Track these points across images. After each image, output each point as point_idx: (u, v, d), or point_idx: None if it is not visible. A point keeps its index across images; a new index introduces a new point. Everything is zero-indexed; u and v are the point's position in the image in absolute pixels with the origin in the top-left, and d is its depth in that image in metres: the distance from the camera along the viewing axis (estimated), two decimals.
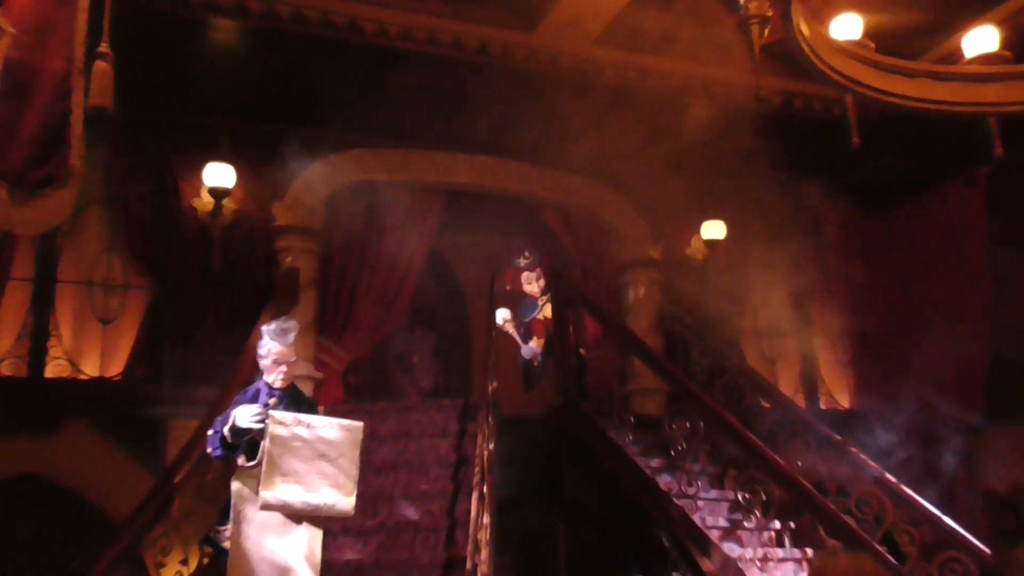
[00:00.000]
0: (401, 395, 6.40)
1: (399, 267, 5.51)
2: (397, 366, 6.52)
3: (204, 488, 3.65)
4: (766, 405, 4.80)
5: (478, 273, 6.32)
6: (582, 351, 5.11)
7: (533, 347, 5.23)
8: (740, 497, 3.83)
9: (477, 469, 3.50)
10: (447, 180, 5.70)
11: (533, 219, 6.15)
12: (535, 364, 5.28)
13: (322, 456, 2.88)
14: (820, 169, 5.86)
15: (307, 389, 4.50)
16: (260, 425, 2.87)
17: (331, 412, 4.09)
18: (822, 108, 5.30)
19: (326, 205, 5.36)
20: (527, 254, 5.35)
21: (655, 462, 4.49)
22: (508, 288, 5.44)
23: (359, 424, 3.02)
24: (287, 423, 2.87)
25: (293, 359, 3.13)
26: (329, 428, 2.91)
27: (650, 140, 5.24)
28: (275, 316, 3.71)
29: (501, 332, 5.21)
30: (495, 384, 4.32)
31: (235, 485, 2.94)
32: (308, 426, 2.91)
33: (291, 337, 3.11)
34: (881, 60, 2.16)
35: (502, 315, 5.22)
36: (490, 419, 3.92)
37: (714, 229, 6.05)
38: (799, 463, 3.97)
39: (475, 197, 5.92)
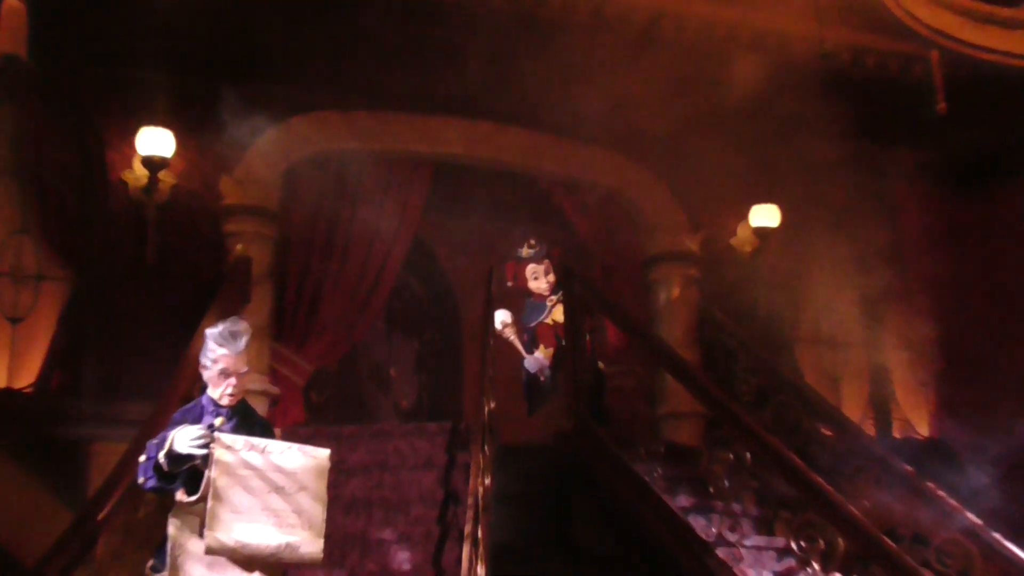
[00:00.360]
0: (376, 416, 6.42)
1: (374, 258, 5.52)
2: (371, 380, 6.55)
3: (134, 527, 3.63)
4: (827, 433, 4.79)
5: (471, 266, 6.30)
6: (600, 364, 5.08)
7: (539, 358, 5.17)
8: (794, 545, 3.79)
9: (470, 509, 3.51)
10: (434, 150, 5.73)
11: (540, 200, 6.18)
12: (541, 379, 5.23)
13: (280, 489, 2.87)
14: (897, 143, 5.92)
15: (260, 407, 4.53)
16: (204, 451, 2.86)
17: (289, 436, 4.08)
18: (900, 67, 5.30)
19: (285, 180, 5.41)
20: (532, 242, 5.35)
21: (688, 501, 4.52)
22: (509, 285, 5.42)
23: (325, 451, 3.02)
24: (237, 448, 2.86)
25: (245, 369, 3.12)
26: (289, 455, 2.91)
27: (688, 105, 5.28)
28: (222, 316, 3.68)
29: (500, 340, 5.20)
30: (492, 404, 4.34)
31: (173, 524, 2.94)
32: (263, 452, 2.89)
33: (243, 342, 3.09)
34: (975, 7, 2.13)
35: (501, 318, 5.21)
36: (486, 447, 3.92)
37: (765, 215, 6.09)
38: (867, 504, 3.96)
39: (468, 172, 6.00)
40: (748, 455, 4.05)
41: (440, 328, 6.87)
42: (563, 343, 5.08)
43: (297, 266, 5.35)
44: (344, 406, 6.21)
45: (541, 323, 5.48)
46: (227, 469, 2.84)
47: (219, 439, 2.88)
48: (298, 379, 5.25)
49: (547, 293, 5.50)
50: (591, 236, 6.13)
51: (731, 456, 4.09)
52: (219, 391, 3.10)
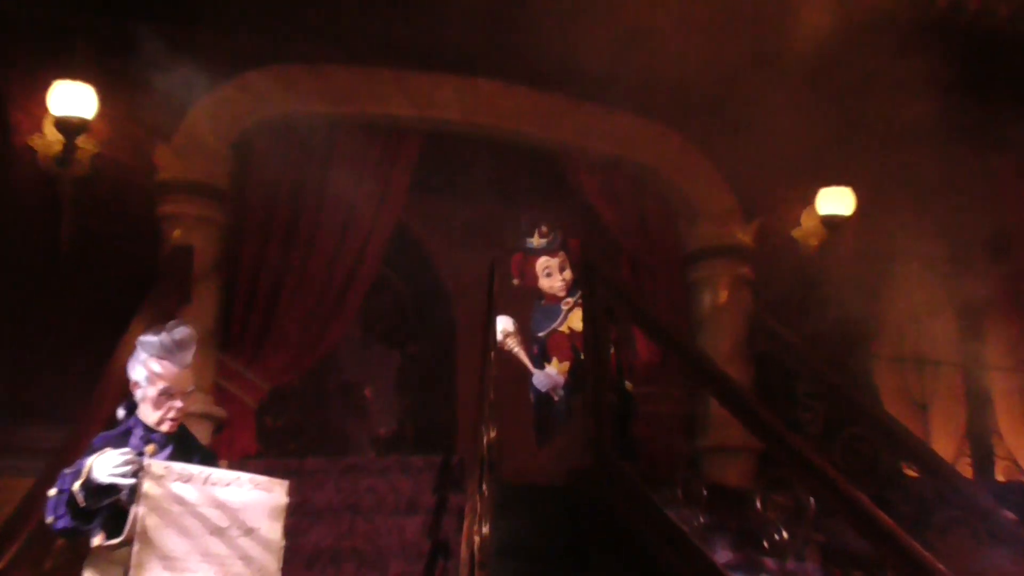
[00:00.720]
0: (347, 447, 6.47)
1: (348, 249, 5.54)
2: (342, 402, 6.61)
3: None
4: (912, 474, 4.83)
5: (469, 260, 6.33)
6: (628, 384, 5.11)
7: (552, 374, 5.21)
8: None
9: (463, 565, 3.49)
10: (423, 115, 5.75)
11: (555, 179, 6.18)
12: (554, 400, 5.26)
13: (223, 531, 2.87)
14: (1006, 109, 5.85)
15: (202, 435, 4.53)
16: (130, 480, 2.83)
17: (238, 470, 3.94)
18: (1010, 12, 5.36)
19: (236, 151, 5.42)
20: (545, 230, 5.35)
21: (735, 556, 4.51)
22: (516, 283, 5.45)
23: (282, 483, 3.02)
24: (171, 478, 2.85)
25: (191, 388, 3.14)
26: (236, 488, 2.90)
27: (741, 60, 5.28)
28: (156, 320, 3.71)
29: (502, 352, 5.20)
30: (493, 433, 4.35)
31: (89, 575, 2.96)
32: (204, 483, 2.88)
33: (188, 354, 3.11)
34: None
35: (502, 326, 5.19)
36: (484, 487, 3.92)
37: (837, 200, 6.10)
38: (963, 565, 3.94)
39: (466, 143, 5.99)
40: (812, 501, 4.00)
41: (428, 338, 6.91)
42: (581, 357, 5.08)
43: (251, 258, 5.36)
44: (307, 434, 6.26)
45: (554, 331, 5.44)
46: (158, 505, 2.83)
47: (150, 467, 2.87)
48: (250, 400, 5.27)
49: (562, 294, 5.47)
50: (618, 224, 6.12)
51: (790, 502, 4.05)
52: (158, 415, 3.10)
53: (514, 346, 5.29)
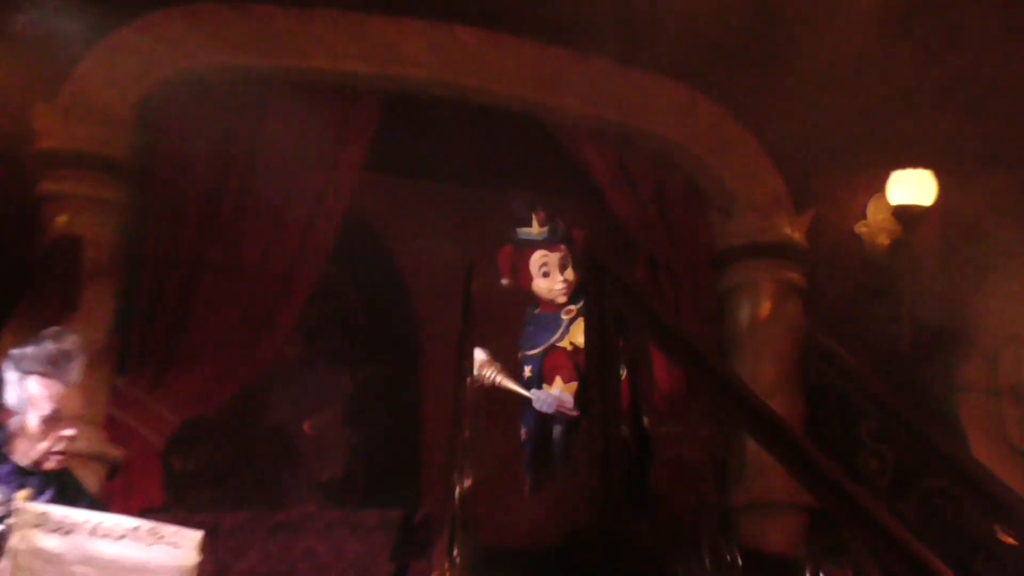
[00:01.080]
0: (280, 497, 6.42)
1: (284, 242, 5.55)
2: (274, 439, 6.54)
3: None
4: (1008, 540, 4.77)
5: (441, 257, 6.31)
6: (644, 419, 5.02)
7: (557, 394, 5.10)
8: None
9: None
10: (385, 72, 5.76)
11: (554, 156, 6.15)
12: (556, 430, 5.18)
13: None
14: None
15: (90, 481, 4.46)
16: None
17: None
18: None
19: (140, 114, 5.40)
20: (542, 216, 5.25)
21: None
22: (504, 283, 5.38)
23: (193, 535, 3.02)
24: (47, 525, 2.83)
25: (81, 413, 3.12)
26: (132, 542, 2.89)
27: (793, 4, 5.30)
28: (34, 329, 3.60)
29: (478, 389, 5.16)
30: (469, 481, 4.28)
31: None
32: (91, 534, 2.86)
33: (75, 367, 3.10)
34: None
35: (481, 359, 5.12)
36: (456, 552, 3.87)
37: (914, 186, 6.13)
38: None
39: (440, 108, 5.92)
40: (878, 572, 3.95)
41: (387, 357, 6.87)
42: (585, 379, 5.03)
43: (158, 252, 5.32)
44: (228, 481, 6.21)
45: (553, 347, 5.39)
46: (30, 560, 2.81)
47: (21, 512, 2.83)
48: (154, 436, 5.21)
49: (563, 299, 5.30)
50: (632, 214, 6.14)
51: (850, 572, 3.95)
52: (40, 449, 3.08)
53: (494, 375, 5.20)
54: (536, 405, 5.15)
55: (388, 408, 6.83)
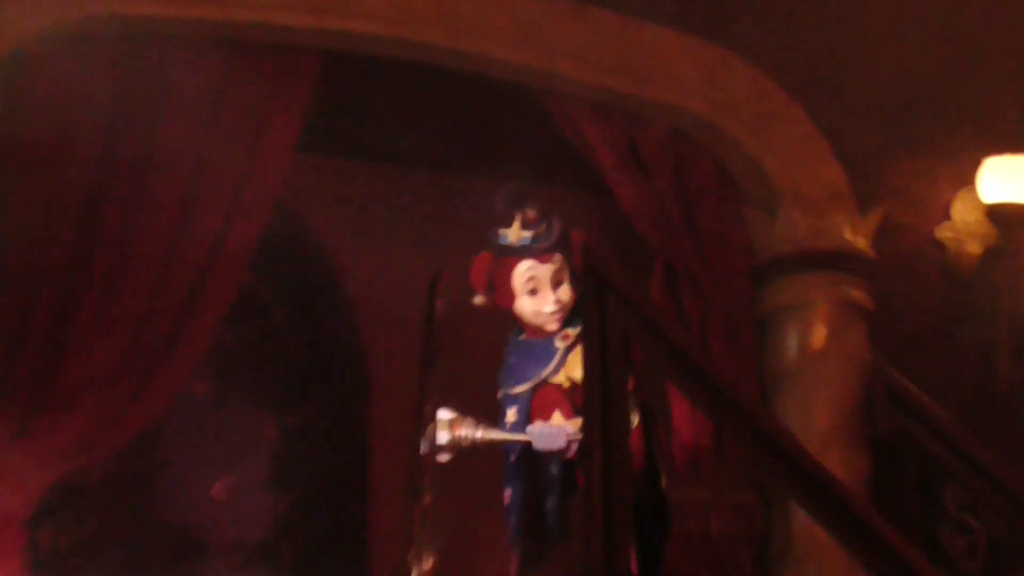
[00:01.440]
0: None
1: (189, 246, 5.33)
2: (176, 502, 6.30)
3: None
4: None
5: (396, 265, 6.34)
6: (661, 480, 4.88)
7: (557, 428, 4.99)
8: None
9: None
10: (325, 26, 5.54)
11: (546, 134, 5.94)
12: (551, 490, 5.05)
13: None
14: None
15: None
16: None
17: None
18: None
19: (5, 76, 5.23)
20: (531, 215, 5.08)
21: None
22: (479, 301, 5.19)
23: None
24: None
25: None
26: None
27: None
28: None
29: (450, 459, 5.03)
30: (430, 563, 4.32)
31: None
32: None
33: None
34: None
35: (447, 419, 4.99)
36: None
37: (1012, 177, 5.94)
38: None
39: (398, 74, 5.81)
40: None
41: (324, 395, 6.71)
42: (583, 423, 4.87)
43: (25, 261, 5.12)
44: (112, 556, 6.11)
45: (545, 383, 5.25)
46: None
47: None
48: (16, 501, 5.02)
49: (555, 325, 5.21)
50: (647, 211, 5.93)
51: None
52: None
53: (471, 433, 5.07)
54: (539, 445, 4.92)
55: (325, 463, 6.67)
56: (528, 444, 4.89)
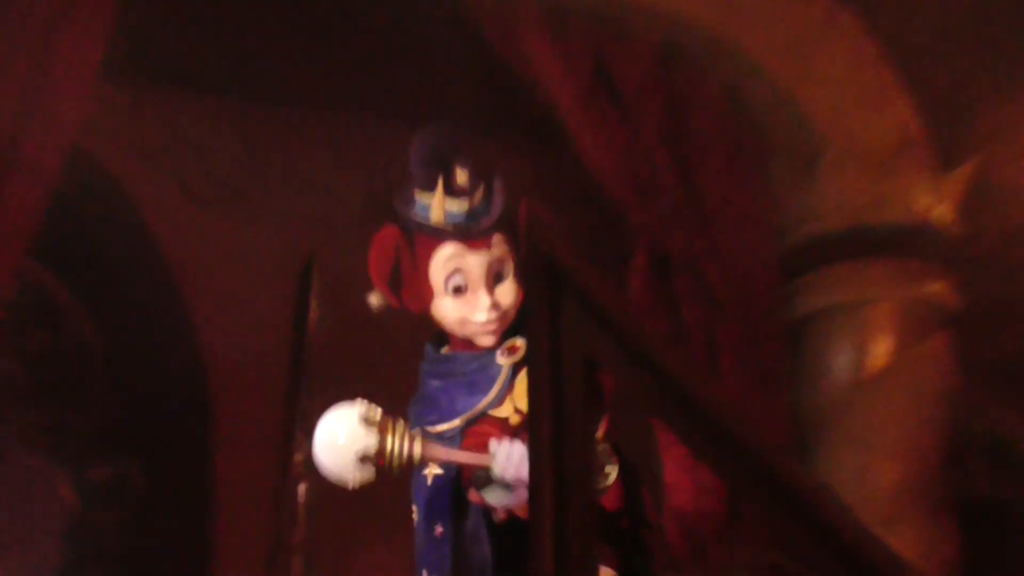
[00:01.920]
0: None
1: None
2: None
3: None
4: None
5: (247, 243, 6.50)
6: (645, 561, 4.58)
7: (507, 454, 4.94)
8: None
9: None
10: None
11: (483, 64, 6.08)
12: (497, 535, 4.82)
13: None
14: None
15: None
16: None
17: None
18: None
19: None
20: (459, 177, 4.96)
21: None
22: (375, 302, 5.12)
23: None
24: None
25: None
26: None
27: None
28: None
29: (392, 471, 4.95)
30: None
31: None
32: None
33: None
34: None
35: (355, 417, 4.90)
36: None
37: None
38: None
39: None
40: None
41: (147, 442, 6.40)
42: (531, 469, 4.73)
43: None
44: None
45: (483, 417, 5.16)
46: None
47: None
48: None
49: (489, 339, 5.08)
50: (623, 169, 5.80)
51: None
52: None
53: (408, 447, 4.96)
54: (500, 472, 4.84)
55: (149, 536, 6.29)
56: (485, 471, 4.72)
